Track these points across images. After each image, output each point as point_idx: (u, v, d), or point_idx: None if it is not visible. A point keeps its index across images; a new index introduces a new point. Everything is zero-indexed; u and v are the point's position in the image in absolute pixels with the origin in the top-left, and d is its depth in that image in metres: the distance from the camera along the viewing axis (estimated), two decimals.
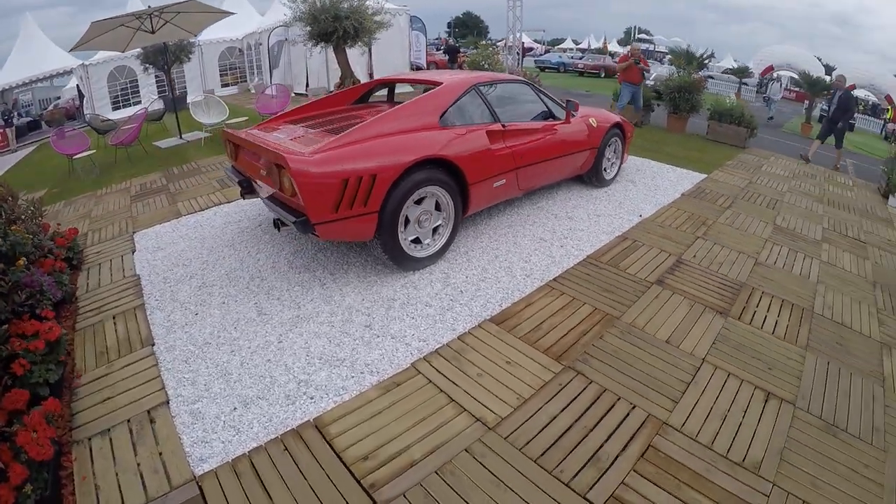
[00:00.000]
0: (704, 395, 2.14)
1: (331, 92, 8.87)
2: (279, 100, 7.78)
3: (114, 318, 2.63)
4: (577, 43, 40.55)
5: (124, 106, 12.30)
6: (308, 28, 7.37)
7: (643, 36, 38.96)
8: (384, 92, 4.42)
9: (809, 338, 2.68)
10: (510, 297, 2.73)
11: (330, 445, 1.72)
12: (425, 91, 3.24)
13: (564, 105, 4.04)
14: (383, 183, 2.54)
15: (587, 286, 2.91)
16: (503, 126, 3.34)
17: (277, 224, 2.76)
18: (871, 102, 21.80)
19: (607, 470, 1.70)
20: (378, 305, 2.61)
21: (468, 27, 57.13)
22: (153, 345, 2.37)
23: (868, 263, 3.82)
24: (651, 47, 33.43)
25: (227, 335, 2.40)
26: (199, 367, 2.18)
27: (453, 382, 2.04)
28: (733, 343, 2.54)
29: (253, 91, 13.09)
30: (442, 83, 3.24)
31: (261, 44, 12.85)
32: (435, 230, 2.99)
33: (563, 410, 1.95)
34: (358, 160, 2.49)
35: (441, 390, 1.99)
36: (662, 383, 2.18)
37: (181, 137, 7.19)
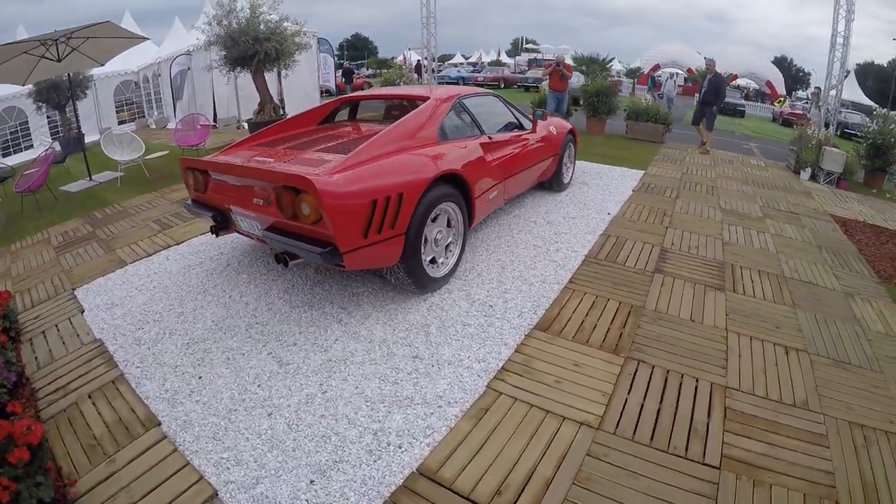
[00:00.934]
0: (742, 358, 2.48)
1: (249, 119, 8.53)
2: (199, 131, 7.29)
3: (90, 397, 2.23)
4: (466, 57, 43.17)
5: (15, 151, 10.56)
6: (224, 53, 7.07)
7: (530, 46, 42.85)
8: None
9: (793, 297, 3.19)
10: (540, 304, 2.87)
11: (453, 491, 1.65)
12: (398, 108, 3.38)
13: (531, 115, 4.39)
14: (410, 202, 2.54)
15: (601, 283, 3.17)
16: (490, 138, 3.54)
17: (283, 259, 2.49)
18: (752, 89, 26.08)
19: (707, 436, 1.94)
20: (414, 334, 2.57)
21: (357, 48, 58.76)
22: (160, 424, 2.05)
23: (806, 231, 4.68)
24: (539, 56, 36.95)
25: (252, 395, 2.17)
26: (236, 442, 1.92)
27: (537, 395, 2.10)
28: (741, 312, 2.94)
29: (153, 126, 12.60)
30: (429, 97, 3.35)
31: (159, 75, 12.19)
32: (446, 248, 3.04)
33: (645, 396, 2.13)
34: (382, 178, 2.46)
35: (532, 405, 2.04)
36: (707, 355, 2.47)
37: (91, 179, 6.39)
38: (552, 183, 5.03)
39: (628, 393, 2.13)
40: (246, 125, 10.59)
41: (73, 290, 3.36)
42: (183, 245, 4.01)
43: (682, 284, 3.24)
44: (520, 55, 37.47)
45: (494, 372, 2.24)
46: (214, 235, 3.05)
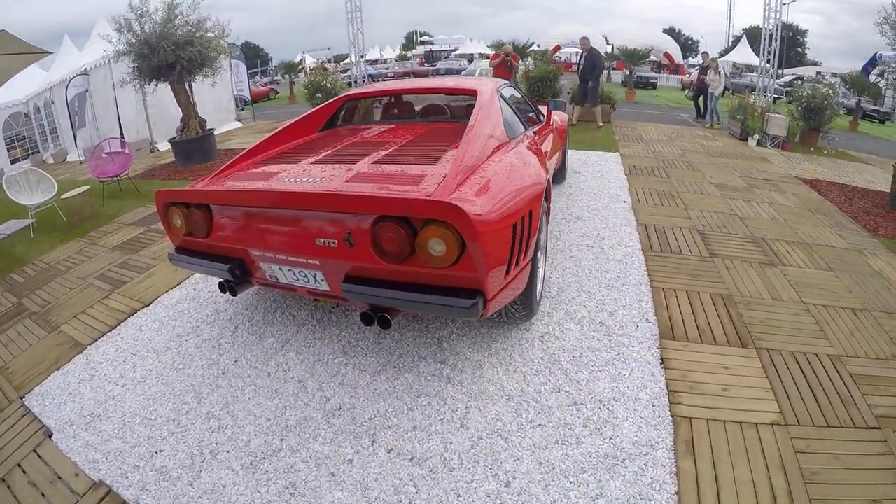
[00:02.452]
0: (831, 327, 2.89)
1: (173, 139, 7.69)
2: (120, 158, 6.36)
3: None
4: (362, 56, 43.69)
5: None
6: (136, 64, 6.27)
7: (426, 38, 43.93)
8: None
9: (826, 262, 3.78)
10: (644, 310, 3.04)
11: None
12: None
13: (547, 105, 4.57)
14: (536, 219, 2.31)
15: (678, 277, 3.46)
16: (535, 133, 3.60)
17: (376, 318, 2.03)
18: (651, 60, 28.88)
19: (854, 403, 2.29)
20: (549, 374, 2.47)
21: (249, 57, 56.95)
22: None
23: (790, 196, 5.47)
24: (434, 48, 37.98)
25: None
26: None
27: (718, 408, 2.23)
28: (801, 283, 3.42)
29: (51, 161, 11.18)
30: (478, 90, 3.15)
31: (53, 102, 10.79)
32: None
33: (805, 380, 2.42)
34: (514, 194, 2.16)
35: (723, 421, 2.15)
36: (807, 330, 2.88)
37: None
38: (557, 174, 5.25)
39: (785, 382, 2.41)
40: (157, 148, 9.52)
41: (22, 398, 2.61)
42: (155, 306, 3.42)
43: (740, 265, 3.64)
44: (415, 48, 38.49)
45: (665, 397, 2.31)
46: (230, 294, 2.46)
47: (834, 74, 21.47)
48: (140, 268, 4.07)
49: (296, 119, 3.54)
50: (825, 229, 4.52)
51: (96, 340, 3.09)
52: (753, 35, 38.92)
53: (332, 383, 2.44)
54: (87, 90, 9.59)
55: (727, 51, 29.66)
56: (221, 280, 2.44)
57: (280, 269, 2.23)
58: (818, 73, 27.24)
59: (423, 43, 41.61)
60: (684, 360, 2.59)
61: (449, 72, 22.57)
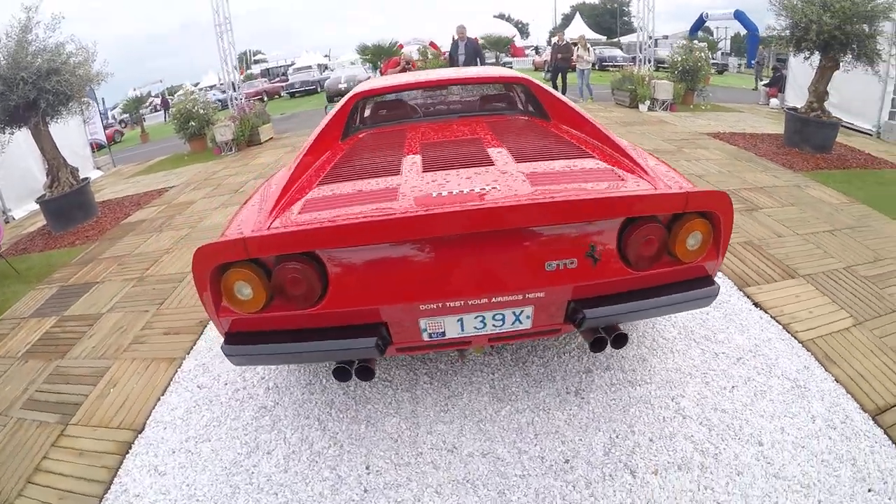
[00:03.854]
0: (830, 247, 3.92)
1: (42, 198, 6.59)
2: None
3: None
4: (196, 84, 42.41)
5: None
6: None
7: (259, 57, 43.21)
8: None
9: (787, 201, 4.97)
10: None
11: None
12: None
13: None
14: None
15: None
16: None
17: (613, 339, 1.96)
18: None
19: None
20: (695, 348, 2.82)
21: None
22: None
23: (714, 150, 6.83)
24: (269, 65, 37.40)
25: None
26: None
27: (819, 326, 2.95)
28: (786, 220, 4.49)
29: None
30: (525, 78, 3.45)
31: None
32: None
33: (845, 290, 3.32)
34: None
35: (829, 333, 2.86)
36: (817, 253, 3.81)
37: None
38: None
39: (835, 296, 3.29)
40: (12, 216, 7.86)
41: None
42: (155, 429, 2.50)
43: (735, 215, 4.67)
44: (250, 68, 37.59)
45: (784, 331, 3.01)
46: (361, 378, 1.94)
47: (665, 37, 25.91)
48: (85, 375, 3.04)
49: (317, 132, 3.03)
50: (760, 174, 5.84)
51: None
52: (585, 11, 44.77)
53: (528, 435, 2.18)
54: None
55: (559, 28, 33.66)
56: (340, 364, 1.89)
57: (460, 319, 1.85)
58: (649, 37, 32.39)
59: (257, 62, 40.95)
60: (769, 300, 3.37)
61: (304, 84, 22.30)
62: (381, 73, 9.78)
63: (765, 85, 13.40)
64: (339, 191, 2.10)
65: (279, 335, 1.82)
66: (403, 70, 9.45)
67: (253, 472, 2.13)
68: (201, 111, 10.07)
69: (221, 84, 12.48)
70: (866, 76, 6.56)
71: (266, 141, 9.61)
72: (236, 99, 10.57)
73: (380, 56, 15.26)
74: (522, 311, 1.86)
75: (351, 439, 2.21)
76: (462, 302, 1.78)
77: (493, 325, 1.89)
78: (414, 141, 2.80)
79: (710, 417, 2.28)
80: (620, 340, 1.96)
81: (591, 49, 12.30)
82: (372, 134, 3.24)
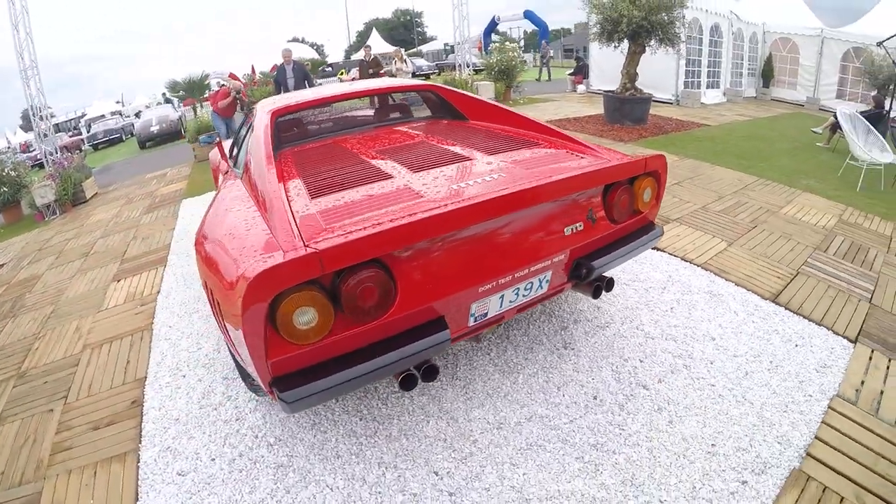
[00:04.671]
0: (724, 189, 5.07)
1: None
2: None
3: None
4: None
5: None
6: None
7: (47, 111, 38.08)
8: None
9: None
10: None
11: None
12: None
13: None
14: None
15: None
16: None
17: (602, 287, 2.37)
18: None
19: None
20: (679, 308, 3.71)
21: None
22: None
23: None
24: (57, 119, 33.02)
25: None
26: None
27: None
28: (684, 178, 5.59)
29: None
30: (435, 85, 3.71)
31: None
32: None
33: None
34: None
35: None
36: (713, 194, 4.93)
37: None
38: None
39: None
40: None
41: None
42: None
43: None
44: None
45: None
46: (426, 380, 1.90)
47: (397, 48, 28.62)
48: None
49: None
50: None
51: None
52: (379, 26, 46.69)
53: (552, 390, 2.45)
54: None
55: (356, 45, 34.81)
56: (406, 370, 1.83)
57: (501, 295, 2.03)
58: (445, 44, 35.10)
59: (42, 118, 35.63)
60: (662, 243, 4.22)
61: (108, 133, 19.95)
62: (212, 104, 9.35)
63: (570, 74, 15.74)
64: (346, 198, 2.00)
65: (342, 361, 1.68)
66: (234, 100, 9.19)
67: None
68: (12, 173, 8.38)
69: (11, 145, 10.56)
70: (665, 56, 8.30)
71: (92, 197, 8.43)
72: (50, 154, 9.13)
73: (192, 91, 14.43)
74: (544, 276, 2.14)
75: (400, 457, 2.15)
76: (511, 276, 1.97)
77: (524, 295, 2.13)
78: (364, 150, 2.80)
79: (669, 333, 2.87)
80: (611, 284, 2.40)
81: (407, 60, 13.11)
82: (304, 149, 3.06)
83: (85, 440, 2.56)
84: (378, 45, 30.25)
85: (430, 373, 1.88)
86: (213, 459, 2.25)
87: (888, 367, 2.57)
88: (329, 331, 1.61)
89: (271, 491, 2.05)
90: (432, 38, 46.93)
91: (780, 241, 3.99)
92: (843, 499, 1.86)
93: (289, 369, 1.63)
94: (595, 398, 2.39)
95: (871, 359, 2.63)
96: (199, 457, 2.28)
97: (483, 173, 2.17)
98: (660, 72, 10.32)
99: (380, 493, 1.98)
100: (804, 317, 2.99)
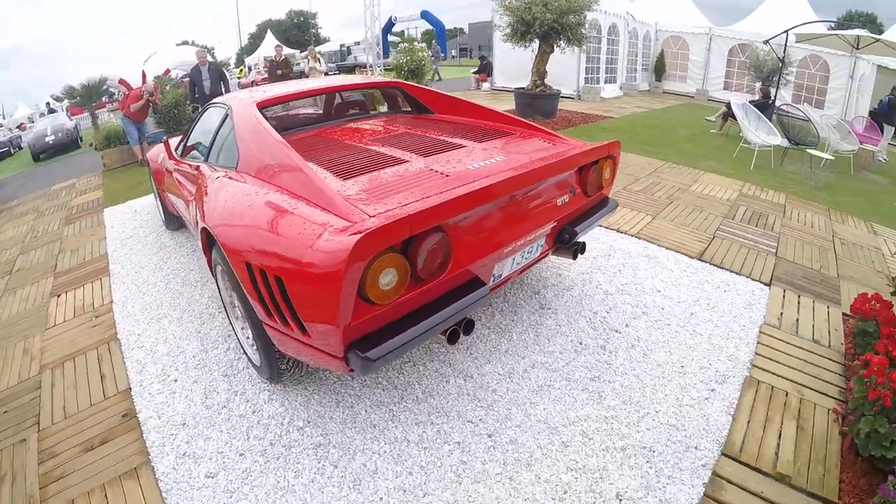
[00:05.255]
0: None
1: None
2: None
3: None
4: None
5: None
6: None
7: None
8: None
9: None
10: None
11: None
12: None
13: None
14: None
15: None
16: None
17: (582, 246, 2.76)
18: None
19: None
20: (624, 270, 4.30)
21: None
22: None
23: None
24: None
25: None
26: None
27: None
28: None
29: None
30: (398, 82, 4.03)
31: None
32: None
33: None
34: None
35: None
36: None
37: None
38: None
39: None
40: None
41: None
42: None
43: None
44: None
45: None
46: (465, 334, 2.11)
47: (357, 43, 28.38)
48: None
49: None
50: None
51: None
52: (272, 28, 44.96)
53: (545, 341, 2.84)
54: None
55: (248, 48, 33.48)
56: (453, 325, 2.03)
57: (514, 258, 2.37)
58: (341, 45, 34.85)
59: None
60: None
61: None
62: (122, 108, 8.71)
63: (474, 72, 16.51)
64: (380, 179, 2.20)
65: (409, 318, 1.88)
66: (147, 102, 8.64)
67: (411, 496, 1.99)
68: None
69: None
70: (569, 54, 9.11)
71: None
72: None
73: (90, 96, 13.08)
74: (539, 242, 2.51)
75: (434, 414, 2.35)
76: (523, 240, 2.30)
77: (524, 258, 2.47)
78: (356, 140, 2.94)
79: (623, 289, 3.40)
80: (584, 247, 2.79)
81: (321, 59, 13.03)
82: (292, 140, 2.90)
83: (79, 464, 2.30)
84: (272, 47, 29.38)
85: (469, 326, 2.10)
86: (242, 454, 2.21)
87: (799, 301, 3.32)
88: (403, 291, 1.79)
89: (318, 469, 2.10)
90: (326, 40, 46.24)
91: (694, 213, 4.75)
92: (787, 393, 2.44)
93: (366, 331, 1.80)
94: (580, 344, 2.81)
95: (784, 296, 3.35)
96: (224, 455, 2.22)
97: (486, 157, 2.48)
98: (563, 69, 11.28)
99: (426, 448, 2.17)
100: (727, 269, 3.67)
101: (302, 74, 12.81)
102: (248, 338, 2.58)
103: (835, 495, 1.91)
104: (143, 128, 8.62)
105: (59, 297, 3.93)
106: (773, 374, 2.58)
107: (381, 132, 3.15)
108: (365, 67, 14.28)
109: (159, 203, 4.86)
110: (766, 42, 10.12)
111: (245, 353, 2.73)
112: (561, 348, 2.78)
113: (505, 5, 8.52)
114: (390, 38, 28.73)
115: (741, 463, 2.06)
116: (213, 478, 2.12)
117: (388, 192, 2.04)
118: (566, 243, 2.68)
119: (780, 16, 13.84)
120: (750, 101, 8.30)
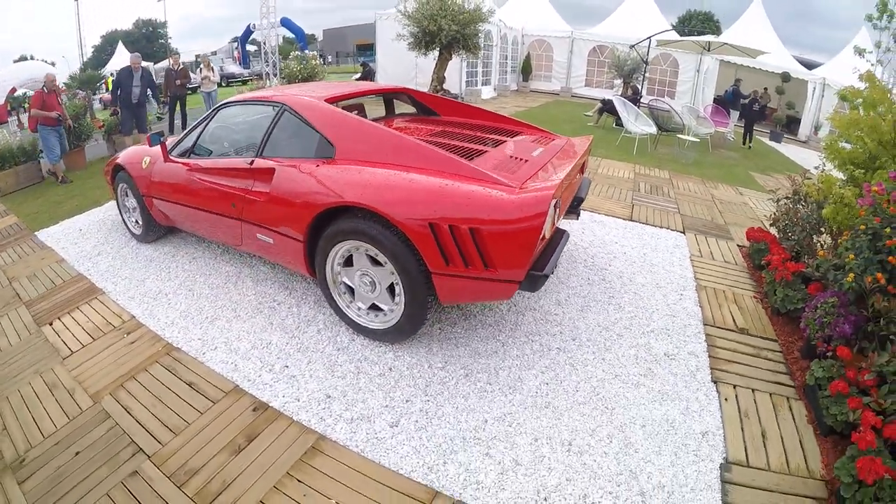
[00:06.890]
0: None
1: None
2: None
3: None
4: None
5: None
6: None
7: None
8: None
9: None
10: None
11: None
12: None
13: None
14: None
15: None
16: None
17: None
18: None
19: None
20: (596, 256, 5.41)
21: None
22: None
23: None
24: None
25: None
26: None
27: None
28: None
29: None
30: (405, 88, 4.73)
31: None
32: None
33: None
34: None
35: None
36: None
37: None
38: None
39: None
40: None
41: None
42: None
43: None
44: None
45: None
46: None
47: (214, 52, 27.15)
48: None
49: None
50: None
51: None
52: (120, 39, 40.42)
53: (538, 301, 4.28)
54: None
55: (94, 62, 30.18)
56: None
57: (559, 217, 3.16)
58: (196, 56, 32.72)
59: None
60: None
61: None
62: (32, 121, 7.63)
63: (357, 79, 17.21)
64: (492, 161, 2.96)
65: (547, 250, 2.83)
66: (55, 95, 7.44)
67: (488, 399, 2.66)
68: None
69: None
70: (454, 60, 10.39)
71: None
72: None
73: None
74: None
75: (530, 336, 3.19)
76: (568, 203, 3.43)
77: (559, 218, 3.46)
78: (414, 134, 3.47)
79: (593, 243, 4.59)
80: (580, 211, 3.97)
81: (214, 69, 12.73)
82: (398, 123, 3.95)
83: (235, 469, 2.25)
84: (124, 59, 26.77)
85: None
86: (409, 400, 2.64)
87: (707, 240, 4.83)
88: (552, 229, 2.80)
89: (479, 390, 2.70)
90: (175, 52, 43.12)
91: (611, 190, 6.19)
92: (724, 291, 3.80)
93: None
94: (588, 280, 3.91)
95: (696, 238, 4.85)
96: (391, 408, 2.57)
97: (532, 148, 3.35)
98: (448, 74, 12.61)
99: (541, 354, 3.02)
100: (652, 225, 5.09)
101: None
102: (362, 307, 3.08)
103: (773, 335, 3.24)
104: (62, 134, 7.35)
105: (51, 324, 3.58)
106: (711, 282, 3.95)
107: (425, 129, 3.71)
108: (261, 77, 14.25)
109: (133, 216, 4.69)
110: (633, 47, 12.45)
111: (353, 324, 3.14)
112: (579, 282, 3.86)
113: (409, 15, 9.53)
114: (250, 47, 28.06)
115: (717, 326, 3.33)
116: (396, 426, 2.46)
117: (508, 171, 2.80)
118: (575, 208, 3.74)
119: (632, 19, 16.88)
120: (622, 97, 10.33)
